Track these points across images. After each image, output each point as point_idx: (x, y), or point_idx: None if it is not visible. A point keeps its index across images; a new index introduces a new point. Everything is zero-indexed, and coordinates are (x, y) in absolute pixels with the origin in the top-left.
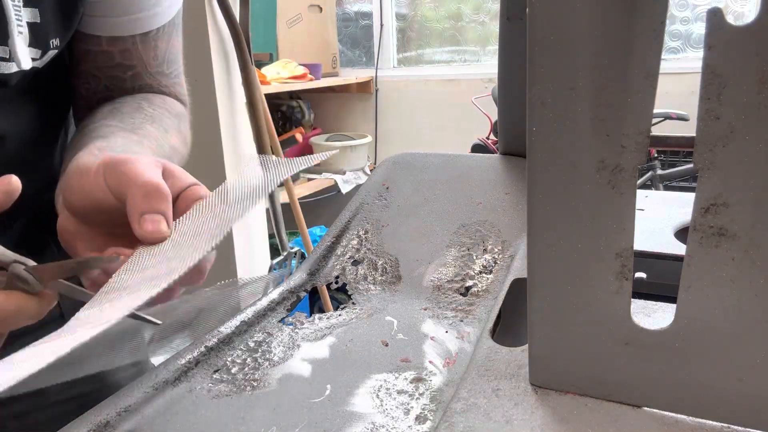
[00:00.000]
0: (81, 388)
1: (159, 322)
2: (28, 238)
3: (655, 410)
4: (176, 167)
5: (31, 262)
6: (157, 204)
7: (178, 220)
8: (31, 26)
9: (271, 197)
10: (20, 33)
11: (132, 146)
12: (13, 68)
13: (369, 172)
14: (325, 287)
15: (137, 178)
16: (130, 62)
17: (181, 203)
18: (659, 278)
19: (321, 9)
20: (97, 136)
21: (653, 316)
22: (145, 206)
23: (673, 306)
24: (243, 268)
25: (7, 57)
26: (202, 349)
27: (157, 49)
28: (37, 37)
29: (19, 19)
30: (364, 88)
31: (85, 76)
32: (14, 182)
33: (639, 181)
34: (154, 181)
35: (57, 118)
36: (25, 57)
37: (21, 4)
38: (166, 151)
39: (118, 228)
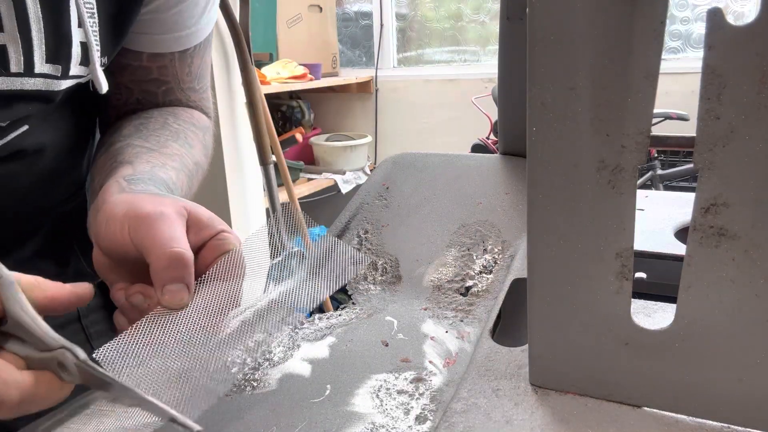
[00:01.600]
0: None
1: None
2: (53, 244)
3: (655, 410)
4: (203, 213)
5: (79, 350)
6: (178, 273)
7: (199, 280)
8: (84, 46)
9: (271, 197)
10: (99, 58)
11: (157, 171)
12: (62, 86)
13: (369, 172)
14: None
15: (159, 246)
16: (166, 78)
17: (206, 254)
18: (659, 278)
19: (321, 9)
20: (123, 161)
21: (653, 316)
22: (166, 277)
23: (673, 306)
24: None
25: (59, 75)
26: None
27: (192, 66)
28: (89, 56)
29: (98, 43)
30: (364, 88)
31: (119, 88)
32: (89, 291)
33: (639, 181)
34: (176, 251)
35: (89, 127)
36: (104, 82)
37: (97, 29)
38: (190, 168)
39: (146, 267)
